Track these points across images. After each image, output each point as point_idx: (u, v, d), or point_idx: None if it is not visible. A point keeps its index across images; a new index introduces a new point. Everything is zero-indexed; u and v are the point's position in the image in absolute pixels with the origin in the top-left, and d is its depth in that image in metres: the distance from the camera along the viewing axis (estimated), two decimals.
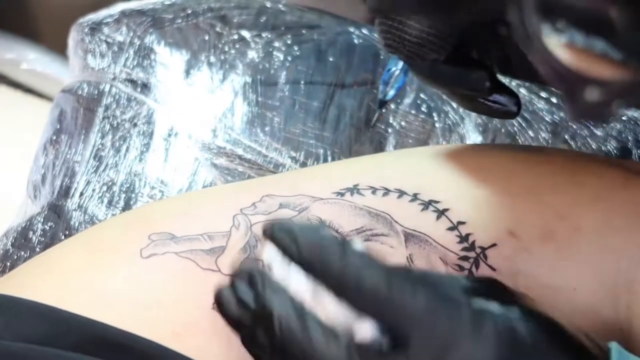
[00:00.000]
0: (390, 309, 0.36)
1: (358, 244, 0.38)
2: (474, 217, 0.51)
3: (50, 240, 0.65)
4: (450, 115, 0.70)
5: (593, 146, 0.68)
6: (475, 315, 0.36)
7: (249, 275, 0.39)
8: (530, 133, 0.69)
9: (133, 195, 0.66)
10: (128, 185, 0.66)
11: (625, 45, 0.29)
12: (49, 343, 0.45)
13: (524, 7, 0.31)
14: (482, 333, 0.35)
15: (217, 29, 0.73)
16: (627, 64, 0.29)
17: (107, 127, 0.69)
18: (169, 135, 0.68)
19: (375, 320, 0.37)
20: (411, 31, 0.46)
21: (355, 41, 0.73)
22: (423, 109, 0.70)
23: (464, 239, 0.51)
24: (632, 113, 0.69)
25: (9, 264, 0.65)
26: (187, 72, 0.71)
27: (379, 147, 0.69)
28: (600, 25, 0.29)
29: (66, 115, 0.71)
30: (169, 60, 0.72)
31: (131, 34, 0.73)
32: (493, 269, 0.50)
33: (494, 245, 0.50)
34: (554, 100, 0.70)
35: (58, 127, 0.71)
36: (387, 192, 0.52)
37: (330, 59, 0.71)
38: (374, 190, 0.53)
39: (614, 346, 0.38)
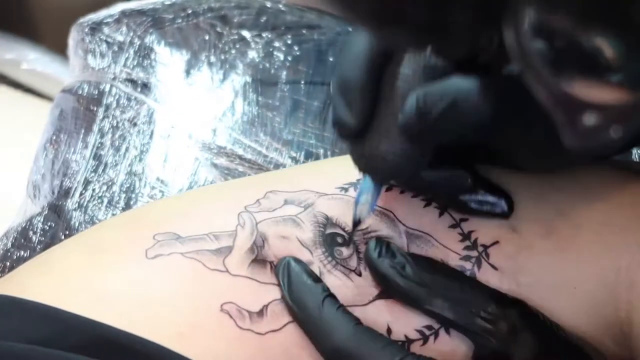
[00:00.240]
0: None
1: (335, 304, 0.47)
2: None
3: (50, 240, 0.65)
4: None
5: None
6: None
7: None
8: None
9: (133, 195, 0.66)
10: (128, 185, 0.66)
11: (624, 69, 0.28)
12: (50, 344, 0.45)
13: (520, 28, 0.30)
14: None
15: (218, 29, 0.73)
16: (625, 86, 0.29)
17: (107, 126, 0.69)
18: (169, 135, 0.68)
19: None
20: (381, 159, 0.46)
21: None
22: None
23: (466, 236, 0.50)
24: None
25: (8, 264, 0.65)
26: (188, 72, 0.71)
27: None
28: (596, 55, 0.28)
29: (66, 115, 0.71)
30: (169, 60, 0.72)
31: (131, 33, 0.73)
32: (495, 268, 0.50)
33: (496, 242, 0.50)
34: None
35: (58, 127, 0.71)
36: (390, 187, 0.52)
37: (331, 59, 0.71)
38: None
39: None
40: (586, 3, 0.27)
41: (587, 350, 0.49)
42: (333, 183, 0.53)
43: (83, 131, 0.69)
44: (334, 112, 0.45)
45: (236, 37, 0.72)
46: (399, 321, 0.48)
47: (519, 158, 0.49)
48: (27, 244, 0.66)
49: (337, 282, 0.49)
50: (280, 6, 0.75)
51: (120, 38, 0.73)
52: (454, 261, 0.50)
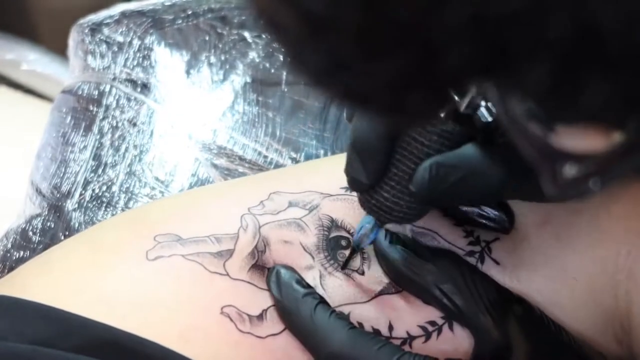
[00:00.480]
0: None
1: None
2: None
3: (50, 241, 0.65)
4: None
5: None
6: None
7: None
8: None
9: (133, 195, 0.66)
10: (128, 185, 0.66)
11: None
12: (51, 344, 0.45)
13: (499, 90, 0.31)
14: None
15: (218, 30, 0.73)
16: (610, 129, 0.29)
17: (107, 127, 0.69)
18: (169, 135, 0.68)
19: None
20: (382, 204, 0.46)
21: None
22: None
23: (469, 233, 0.51)
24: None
25: (8, 264, 0.65)
26: (188, 73, 0.71)
27: None
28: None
29: (66, 115, 0.71)
30: (169, 60, 0.72)
31: (131, 34, 0.73)
32: (497, 263, 0.50)
33: (497, 238, 0.51)
34: None
35: (58, 127, 0.71)
36: None
37: None
38: None
39: None
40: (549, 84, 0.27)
41: (588, 352, 0.49)
42: (337, 183, 0.53)
43: (83, 131, 0.69)
44: (348, 167, 0.46)
45: (236, 37, 0.72)
46: (401, 318, 0.48)
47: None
48: (27, 244, 0.65)
49: (337, 282, 0.49)
50: None
51: (120, 39, 0.73)
52: None
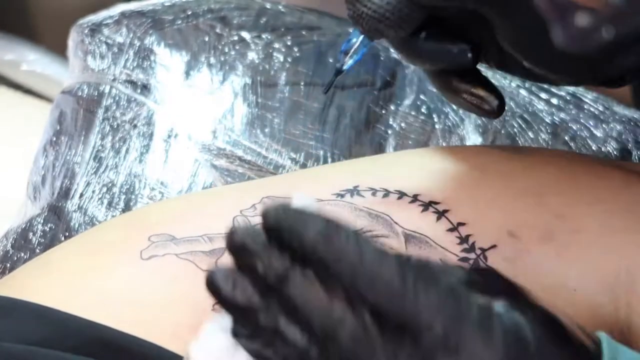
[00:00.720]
0: (402, 306, 0.35)
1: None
2: (474, 218, 0.51)
3: (50, 242, 0.65)
4: (450, 117, 0.70)
5: (593, 147, 0.68)
6: (482, 315, 0.36)
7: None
8: (530, 134, 0.69)
9: (133, 196, 0.66)
10: (128, 186, 0.66)
11: None
12: (48, 345, 0.45)
13: None
14: (489, 333, 0.35)
15: (217, 30, 0.73)
16: None
17: (107, 128, 0.69)
18: (169, 136, 0.68)
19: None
20: (370, 5, 0.44)
21: None
22: (423, 110, 0.70)
23: (464, 240, 0.51)
24: (632, 114, 0.69)
25: (8, 265, 0.65)
26: (187, 74, 0.71)
27: (379, 149, 0.69)
28: None
29: (66, 116, 0.71)
30: (169, 61, 0.72)
31: (131, 35, 0.73)
32: None
33: (494, 246, 0.50)
34: (554, 101, 0.70)
35: (58, 128, 0.71)
36: (387, 193, 0.52)
37: (330, 60, 0.71)
38: (374, 192, 0.53)
39: (603, 337, 0.38)
40: None
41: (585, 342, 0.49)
42: (330, 189, 0.53)
43: (83, 132, 0.69)
44: None
45: (236, 38, 0.72)
46: None
47: (507, 58, 0.48)
48: (26, 245, 0.66)
49: None
50: (280, 7, 0.75)
51: (120, 39, 0.73)
52: (452, 262, 0.50)
